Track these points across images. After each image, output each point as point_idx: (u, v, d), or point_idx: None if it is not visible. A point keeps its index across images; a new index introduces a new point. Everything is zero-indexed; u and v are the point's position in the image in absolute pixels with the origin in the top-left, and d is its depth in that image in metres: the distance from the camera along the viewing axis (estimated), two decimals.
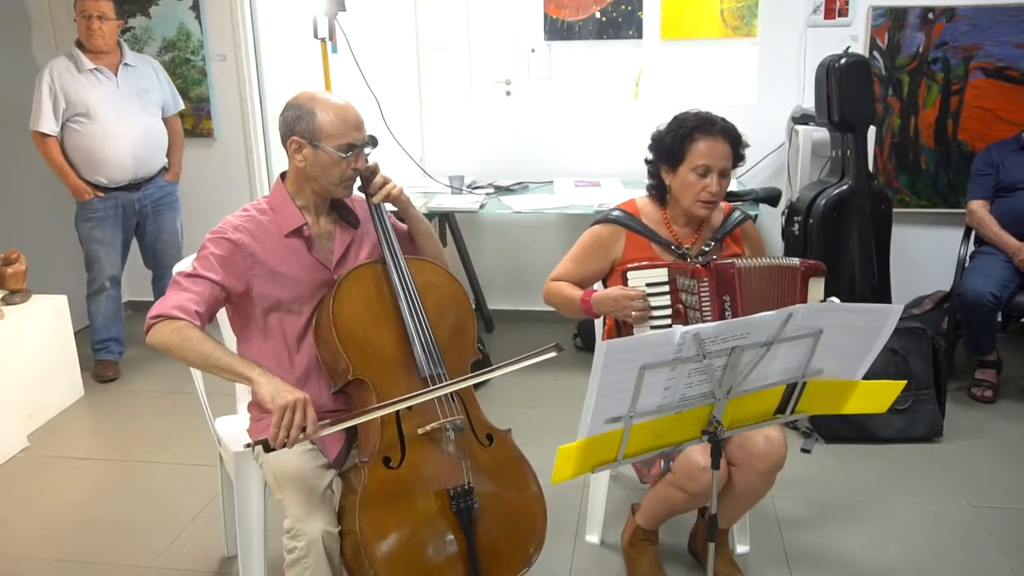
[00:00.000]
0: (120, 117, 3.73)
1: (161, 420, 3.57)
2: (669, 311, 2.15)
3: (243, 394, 2.45)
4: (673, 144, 2.23)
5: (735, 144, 2.25)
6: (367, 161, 2.10)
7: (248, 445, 1.97)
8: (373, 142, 2.12)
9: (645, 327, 2.16)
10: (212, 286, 1.97)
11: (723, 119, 2.26)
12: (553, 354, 1.83)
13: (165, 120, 3.94)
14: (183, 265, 2.34)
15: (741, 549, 2.53)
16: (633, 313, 2.14)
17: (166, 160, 3.96)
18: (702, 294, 2.13)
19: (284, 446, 1.78)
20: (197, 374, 2.28)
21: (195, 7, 4.25)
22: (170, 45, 4.33)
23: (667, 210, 2.33)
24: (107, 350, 4.00)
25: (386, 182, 2.10)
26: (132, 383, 3.94)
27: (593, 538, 2.62)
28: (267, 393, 1.80)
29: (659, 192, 2.32)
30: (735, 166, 2.29)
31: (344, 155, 1.99)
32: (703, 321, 2.12)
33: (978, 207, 3.57)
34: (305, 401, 1.79)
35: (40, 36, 4.33)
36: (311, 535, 1.82)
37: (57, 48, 4.21)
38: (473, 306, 4.54)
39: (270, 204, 2.08)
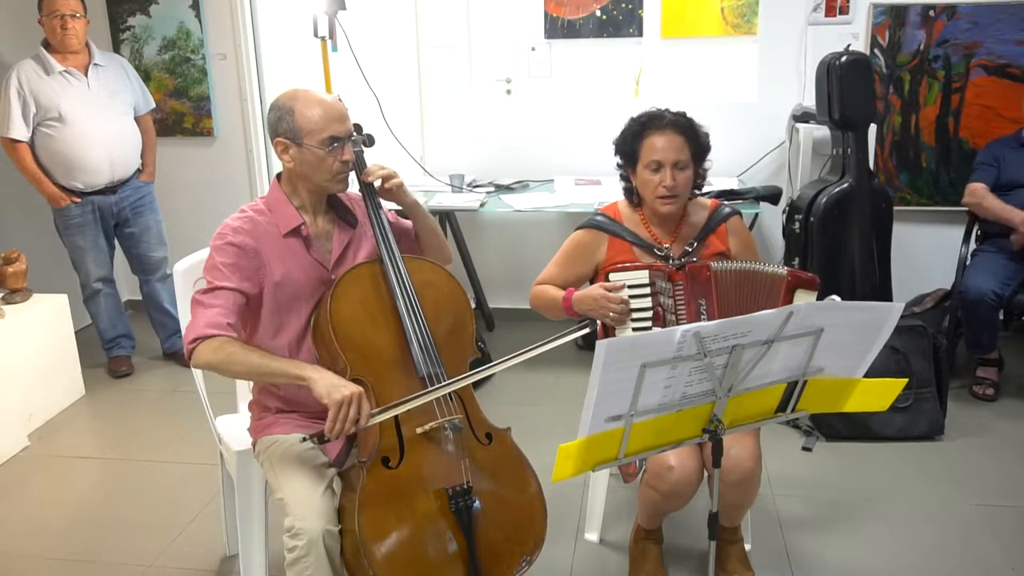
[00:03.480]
0: (93, 120, 3.65)
1: (162, 419, 3.57)
2: (650, 313, 2.14)
3: (244, 393, 2.45)
4: (626, 144, 2.27)
5: (689, 134, 2.23)
6: (361, 158, 2.09)
7: (305, 439, 1.96)
8: (370, 141, 2.11)
9: (626, 329, 2.16)
10: (232, 294, 1.96)
11: (675, 112, 2.26)
12: (586, 331, 1.86)
13: (137, 120, 3.86)
14: (183, 265, 2.34)
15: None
16: (611, 314, 2.14)
17: (140, 161, 3.90)
18: (677, 297, 2.13)
19: (338, 437, 1.83)
20: (197, 372, 2.28)
21: (195, 6, 4.24)
22: (170, 44, 4.33)
23: (642, 211, 2.33)
24: (119, 346, 4.01)
25: (383, 169, 2.09)
26: (133, 382, 3.94)
27: (593, 536, 2.62)
28: (323, 389, 1.82)
29: (631, 195, 2.34)
30: (700, 157, 2.27)
31: (327, 150, 1.98)
32: (679, 323, 2.11)
33: (979, 187, 3.49)
34: (360, 395, 1.82)
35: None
36: (311, 534, 1.82)
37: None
38: (473, 305, 4.54)
39: (267, 205, 2.08)
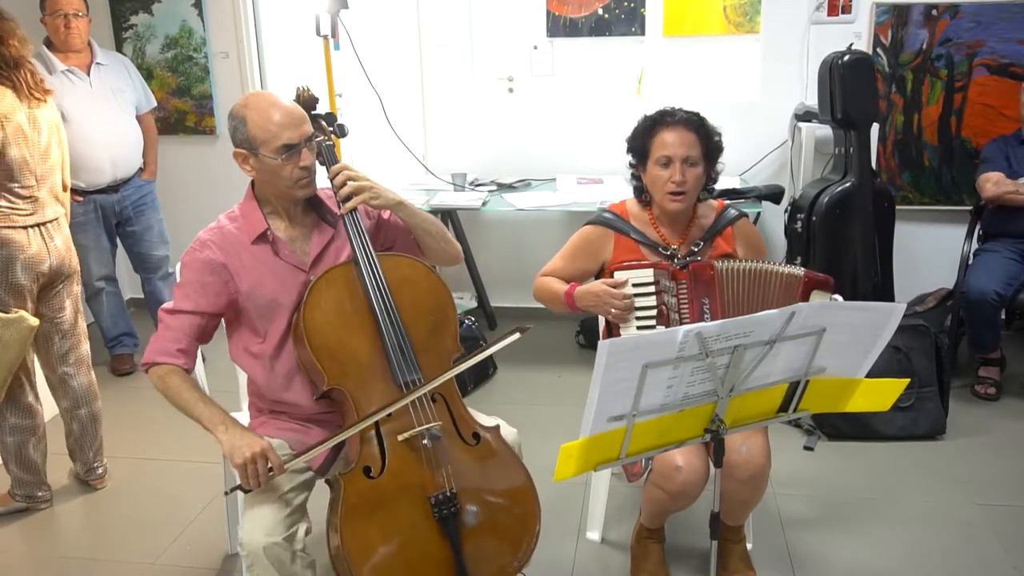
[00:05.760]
0: (96, 119, 3.64)
1: (164, 417, 3.54)
2: (655, 311, 2.14)
3: (246, 392, 2.45)
4: (637, 140, 2.27)
5: (701, 132, 2.22)
6: (331, 154, 2.06)
7: (227, 492, 1.96)
8: (340, 132, 2.09)
9: (630, 326, 2.16)
10: (191, 317, 1.98)
11: (687, 110, 2.26)
12: (516, 336, 1.82)
13: (138, 118, 3.85)
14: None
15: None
16: (613, 310, 2.14)
17: (142, 160, 3.89)
18: (680, 296, 2.13)
19: (259, 486, 1.83)
20: (201, 370, 2.28)
21: (197, 4, 4.25)
22: (172, 42, 4.33)
23: (652, 211, 2.33)
24: (121, 344, 4.01)
25: (351, 180, 2.00)
26: (135, 380, 3.95)
27: (594, 535, 2.62)
28: (227, 451, 1.84)
29: (641, 193, 2.33)
30: (712, 157, 2.26)
31: (282, 158, 1.94)
32: (682, 323, 2.11)
33: (999, 175, 3.43)
34: (263, 451, 1.81)
35: None
36: (250, 547, 1.81)
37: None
38: (475, 304, 4.52)
39: (240, 211, 2.07)
